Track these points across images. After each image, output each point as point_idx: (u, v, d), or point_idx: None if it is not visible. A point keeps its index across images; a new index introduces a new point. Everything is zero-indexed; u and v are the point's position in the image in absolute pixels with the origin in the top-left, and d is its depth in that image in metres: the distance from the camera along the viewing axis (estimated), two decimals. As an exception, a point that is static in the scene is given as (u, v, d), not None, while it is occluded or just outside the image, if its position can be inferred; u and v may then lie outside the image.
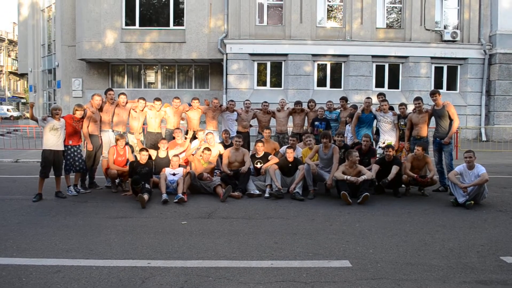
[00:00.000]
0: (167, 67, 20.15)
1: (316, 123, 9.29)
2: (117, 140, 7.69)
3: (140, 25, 18.32)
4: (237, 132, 9.42)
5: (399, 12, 18.46)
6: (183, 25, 18.15)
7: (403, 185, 7.56)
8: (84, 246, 4.68)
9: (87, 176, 8.01)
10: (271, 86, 18.28)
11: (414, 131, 8.09)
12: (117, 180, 7.86)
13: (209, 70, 19.81)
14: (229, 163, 7.97)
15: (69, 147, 7.31)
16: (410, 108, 8.94)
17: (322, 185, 7.63)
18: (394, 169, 7.28)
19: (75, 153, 7.36)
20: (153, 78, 20.35)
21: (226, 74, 17.86)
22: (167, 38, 18.16)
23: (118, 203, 6.88)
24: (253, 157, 8.08)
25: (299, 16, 17.70)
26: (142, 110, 8.48)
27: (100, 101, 7.77)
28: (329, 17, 18.54)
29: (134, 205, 6.64)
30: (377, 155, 7.99)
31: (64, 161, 7.29)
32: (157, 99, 8.70)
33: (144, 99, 8.52)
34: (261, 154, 7.98)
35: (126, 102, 8.30)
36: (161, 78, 20.23)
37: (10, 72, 54.28)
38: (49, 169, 7.12)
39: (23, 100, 54.36)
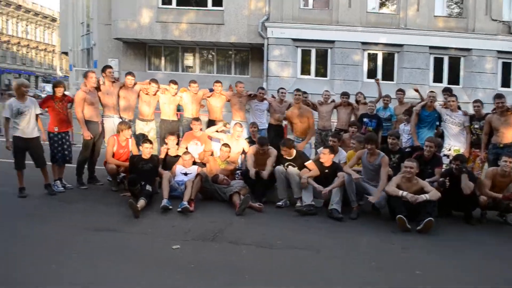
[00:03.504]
0: (205, 51, 18.93)
1: (365, 119, 7.60)
2: (120, 129, 6.35)
3: (177, 5, 17.14)
4: (269, 125, 7.89)
5: None
6: (221, 6, 16.80)
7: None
8: (30, 274, 3.36)
9: (86, 170, 6.74)
10: (315, 76, 16.58)
11: (494, 137, 6.27)
12: (119, 176, 6.56)
13: (250, 56, 18.43)
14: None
15: (55, 134, 6.05)
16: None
17: (367, 199, 5.91)
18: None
19: (63, 140, 6.12)
20: (191, 61, 19.18)
21: (267, 60, 16.37)
22: (205, 19, 16.87)
23: (111, 207, 5.53)
24: (282, 158, 6.46)
25: (348, 0, 15.80)
26: (155, 94, 7.13)
27: (96, 80, 6.46)
28: (381, 2, 16.50)
29: (128, 212, 5.25)
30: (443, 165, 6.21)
31: (51, 150, 6.08)
32: (173, 81, 7.30)
33: (156, 81, 7.13)
34: (293, 155, 6.34)
35: (135, 84, 6.96)
36: (200, 62, 19.08)
37: (62, 52, 55.15)
38: (23, 159, 5.85)
39: (71, 80, 55.28)
